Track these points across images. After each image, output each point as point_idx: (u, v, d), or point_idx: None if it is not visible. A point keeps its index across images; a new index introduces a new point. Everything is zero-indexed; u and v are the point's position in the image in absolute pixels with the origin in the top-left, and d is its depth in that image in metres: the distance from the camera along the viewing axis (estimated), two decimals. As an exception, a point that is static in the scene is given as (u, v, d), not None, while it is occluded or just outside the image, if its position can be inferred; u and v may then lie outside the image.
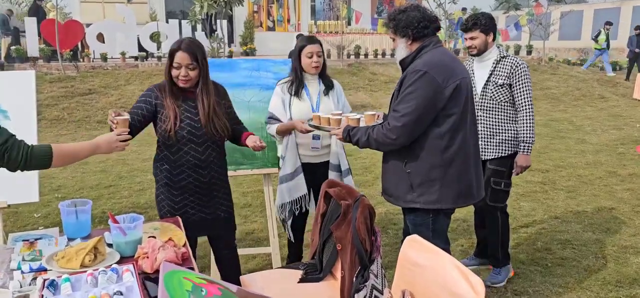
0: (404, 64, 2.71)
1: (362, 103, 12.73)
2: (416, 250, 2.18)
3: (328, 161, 3.46)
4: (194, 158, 2.86)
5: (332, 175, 3.38)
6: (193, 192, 2.93)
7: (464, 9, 19.33)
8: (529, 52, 19.45)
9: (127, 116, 2.65)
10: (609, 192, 5.97)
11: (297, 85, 3.39)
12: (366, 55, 17.31)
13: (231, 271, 3.18)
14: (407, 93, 2.55)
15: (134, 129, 2.81)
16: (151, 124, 2.93)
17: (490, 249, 3.81)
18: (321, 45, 3.45)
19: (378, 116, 2.88)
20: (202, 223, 3.00)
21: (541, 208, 5.33)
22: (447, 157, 2.63)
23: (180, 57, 2.75)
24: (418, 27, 2.64)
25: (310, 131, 3.22)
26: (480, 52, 3.60)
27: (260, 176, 3.95)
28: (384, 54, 17.77)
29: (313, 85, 3.43)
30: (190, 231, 2.74)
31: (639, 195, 5.82)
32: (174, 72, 2.79)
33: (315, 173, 3.44)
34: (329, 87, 3.46)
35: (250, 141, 2.95)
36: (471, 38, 3.60)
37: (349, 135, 2.78)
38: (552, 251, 4.27)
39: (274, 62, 3.93)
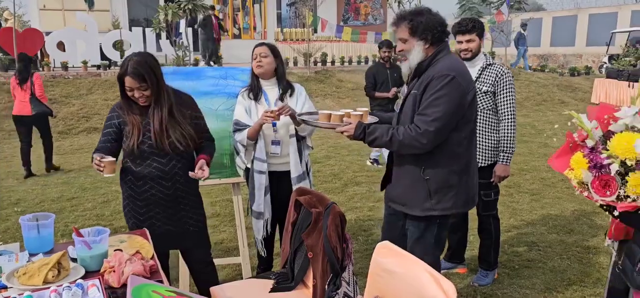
0: (420, 68, 2.64)
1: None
2: (387, 257, 2.18)
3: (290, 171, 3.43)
4: (157, 170, 2.78)
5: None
6: (158, 204, 2.84)
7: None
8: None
9: (111, 158, 2.61)
10: (571, 194, 6.12)
11: (255, 91, 3.39)
12: (333, 62, 17.39)
13: (208, 286, 2.99)
14: (436, 97, 2.50)
15: (113, 155, 2.78)
16: None
17: (483, 253, 3.86)
18: (271, 48, 3.41)
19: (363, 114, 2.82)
20: (169, 237, 2.90)
21: (507, 212, 5.43)
22: (464, 163, 2.66)
23: (129, 82, 2.68)
24: (438, 31, 2.59)
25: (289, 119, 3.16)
26: (474, 56, 3.57)
27: (228, 185, 3.91)
28: (350, 61, 17.89)
29: (272, 91, 3.42)
30: (157, 244, 2.66)
31: (599, 196, 5.98)
32: (129, 94, 2.73)
33: (278, 181, 3.42)
34: (285, 90, 3.42)
35: (197, 168, 2.79)
36: (468, 41, 3.54)
37: (365, 132, 2.61)
38: (519, 253, 4.35)
39: (242, 70, 3.88)
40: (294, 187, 3.31)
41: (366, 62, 17.90)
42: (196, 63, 14.99)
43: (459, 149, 2.63)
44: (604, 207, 1.91)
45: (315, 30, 17.84)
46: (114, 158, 2.64)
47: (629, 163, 1.77)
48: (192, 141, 2.86)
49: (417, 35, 2.59)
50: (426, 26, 2.58)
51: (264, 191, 3.36)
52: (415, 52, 2.61)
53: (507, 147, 3.52)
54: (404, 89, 2.82)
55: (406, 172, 2.69)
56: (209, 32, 14.87)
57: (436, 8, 2.76)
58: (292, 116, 3.22)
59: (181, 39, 15.71)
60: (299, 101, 3.41)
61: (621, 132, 1.86)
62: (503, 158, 3.55)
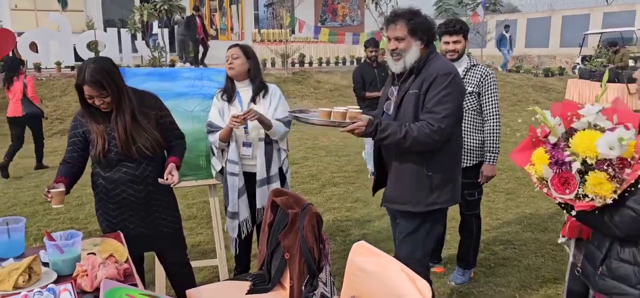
0: (415, 68, 2.64)
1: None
2: (364, 256, 2.18)
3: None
4: (127, 175, 2.75)
5: (260, 191, 3.36)
6: (130, 207, 2.81)
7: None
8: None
9: (62, 188, 2.59)
10: (545, 192, 6.21)
11: (229, 93, 3.39)
12: (311, 63, 17.39)
13: (184, 288, 2.96)
14: (443, 95, 2.54)
15: (80, 166, 2.79)
16: None
17: (463, 252, 3.90)
18: (243, 49, 3.39)
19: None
20: (142, 239, 2.87)
21: (483, 211, 5.44)
22: (459, 158, 2.81)
23: (88, 90, 2.59)
24: (432, 32, 2.67)
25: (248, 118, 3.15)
26: (460, 57, 3.58)
27: (205, 187, 3.88)
28: (328, 62, 17.91)
29: (246, 92, 3.41)
30: (131, 247, 2.62)
31: (572, 194, 6.09)
32: (89, 101, 2.65)
33: (249, 183, 3.41)
34: (258, 91, 3.39)
35: (166, 173, 2.75)
36: (455, 42, 3.55)
37: (376, 129, 2.54)
38: (495, 252, 4.40)
39: (217, 71, 3.86)
40: (257, 190, 3.33)
41: (344, 63, 17.94)
42: (172, 64, 14.83)
43: (457, 144, 2.76)
44: (562, 205, 1.92)
45: (292, 31, 17.84)
46: (64, 189, 2.60)
47: (589, 161, 1.77)
48: (158, 145, 2.80)
49: (416, 35, 2.62)
50: (424, 27, 2.63)
51: (238, 192, 3.36)
52: (413, 52, 2.63)
53: (493, 146, 3.56)
54: (392, 89, 2.81)
55: (407, 171, 2.70)
56: (193, 33, 14.72)
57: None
58: (260, 120, 3.21)
59: (156, 39, 15.52)
60: (273, 102, 3.39)
61: (583, 129, 1.85)
62: (489, 158, 3.58)
